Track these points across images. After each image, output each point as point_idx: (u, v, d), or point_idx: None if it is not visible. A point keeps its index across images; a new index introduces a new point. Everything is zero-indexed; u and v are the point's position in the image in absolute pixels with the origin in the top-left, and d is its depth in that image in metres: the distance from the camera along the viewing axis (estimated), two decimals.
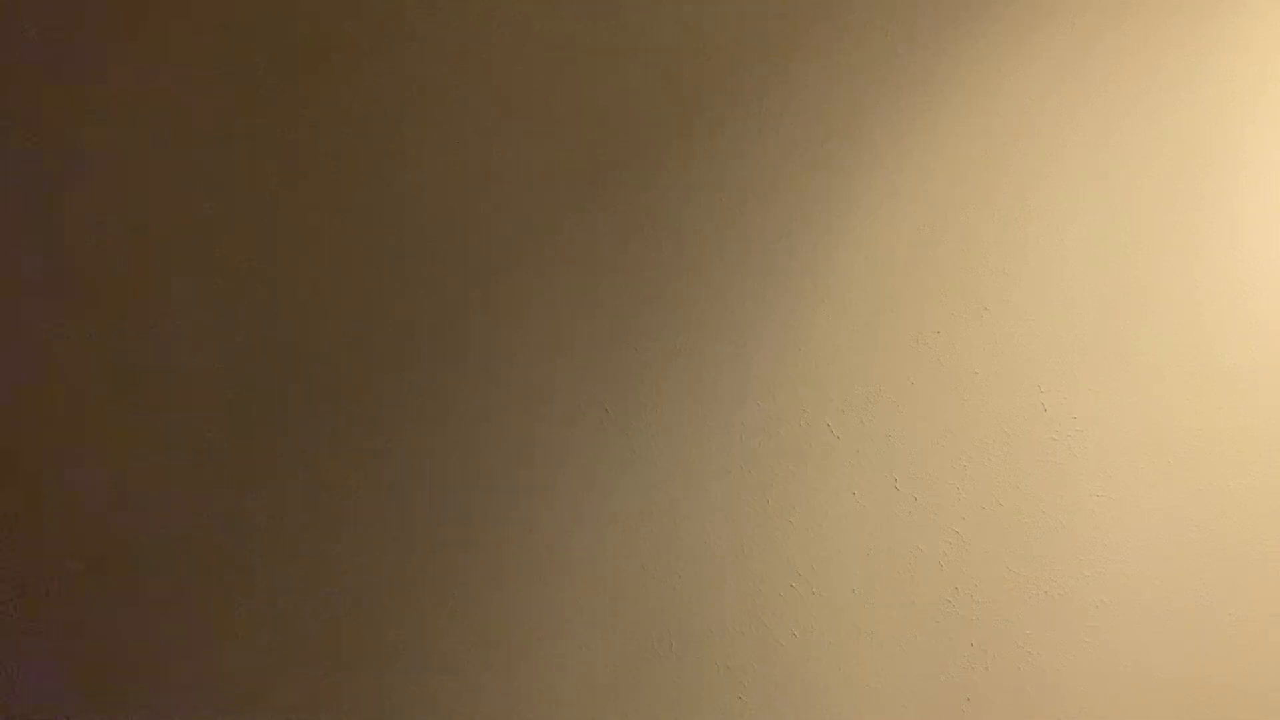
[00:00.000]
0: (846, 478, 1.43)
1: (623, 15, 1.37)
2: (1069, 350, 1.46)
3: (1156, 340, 1.48)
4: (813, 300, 1.42)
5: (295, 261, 1.31)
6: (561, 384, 1.37)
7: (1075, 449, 1.47)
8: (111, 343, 1.27)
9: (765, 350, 1.41)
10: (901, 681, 1.45)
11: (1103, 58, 1.46)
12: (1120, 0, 1.46)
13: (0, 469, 1.25)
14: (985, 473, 1.45)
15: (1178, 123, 1.48)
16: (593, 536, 1.38)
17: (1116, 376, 1.47)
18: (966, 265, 1.45)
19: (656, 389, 1.39)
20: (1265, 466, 1.50)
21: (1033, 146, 1.45)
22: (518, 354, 1.36)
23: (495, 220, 1.35)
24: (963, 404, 1.45)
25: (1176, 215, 1.48)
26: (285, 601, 1.31)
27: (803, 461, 1.42)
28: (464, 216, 1.34)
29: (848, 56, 1.42)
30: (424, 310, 1.34)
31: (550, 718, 1.37)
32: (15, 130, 1.24)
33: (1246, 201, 1.49)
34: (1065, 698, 1.48)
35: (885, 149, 1.43)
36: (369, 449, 1.33)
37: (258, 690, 1.31)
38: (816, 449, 1.43)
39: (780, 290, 1.41)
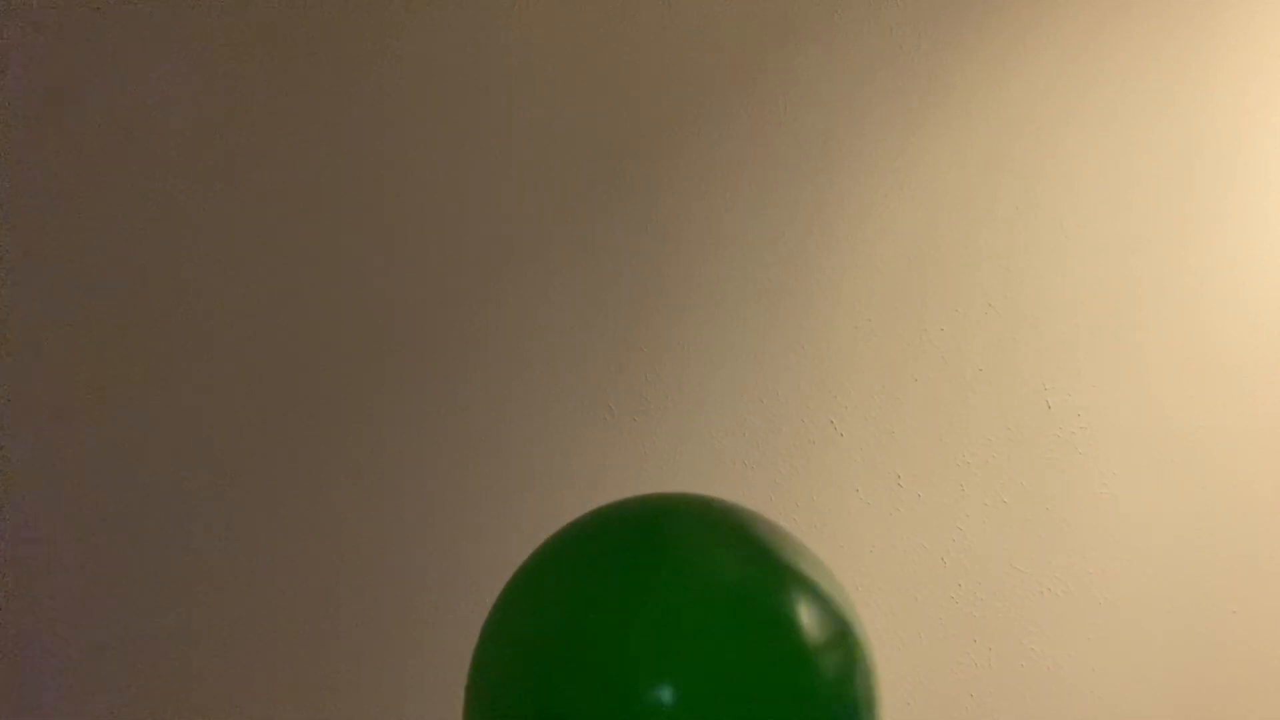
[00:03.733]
0: (850, 475, 1.43)
1: (626, 15, 1.35)
2: (1073, 347, 1.46)
3: (1161, 337, 1.48)
4: (816, 297, 1.41)
5: (300, 260, 1.30)
6: (566, 384, 1.36)
7: (1079, 446, 1.46)
8: (112, 342, 1.26)
9: (769, 348, 1.41)
10: (904, 678, 1.45)
11: (1103, 55, 1.45)
12: None
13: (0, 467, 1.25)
14: (989, 470, 1.45)
15: (1179, 119, 1.47)
16: None
17: (1121, 373, 1.47)
18: (970, 262, 1.44)
19: (660, 388, 1.38)
20: (1269, 464, 1.50)
21: (1035, 143, 1.44)
22: (521, 354, 1.35)
23: (499, 221, 1.34)
24: (966, 401, 1.45)
25: (1179, 211, 1.48)
26: (288, 603, 1.31)
27: (806, 458, 1.42)
28: (469, 217, 1.33)
29: (849, 54, 1.40)
30: (427, 310, 1.33)
31: None
32: (15, 133, 1.23)
33: (1249, 197, 1.49)
34: (1068, 695, 1.48)
35: (888, 146, 1.42)
36: (372, 449, 1.32)
37: (255, 692, 1.31)
38: (820, 446, 1.42)
39: (784, 288, 1.41)
